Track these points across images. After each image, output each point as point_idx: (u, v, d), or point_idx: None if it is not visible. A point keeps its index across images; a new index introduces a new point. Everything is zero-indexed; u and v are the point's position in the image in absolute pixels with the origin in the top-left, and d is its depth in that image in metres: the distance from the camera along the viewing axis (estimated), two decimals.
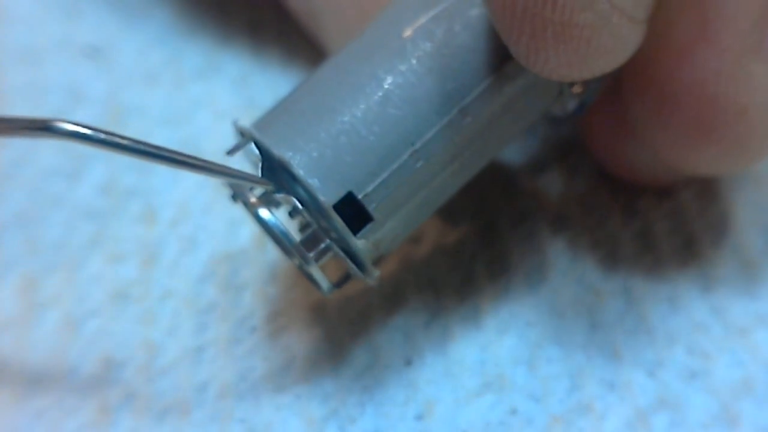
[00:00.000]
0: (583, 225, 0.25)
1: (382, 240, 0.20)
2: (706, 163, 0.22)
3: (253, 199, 0.20)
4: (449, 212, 0.25)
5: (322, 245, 0.20)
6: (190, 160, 0.18)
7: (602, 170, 0.25)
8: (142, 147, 0.18)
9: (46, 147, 0.26)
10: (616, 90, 0.23)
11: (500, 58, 0.20)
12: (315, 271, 0.20)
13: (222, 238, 0.25)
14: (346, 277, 0.21)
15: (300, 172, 0.19)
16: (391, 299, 0.24)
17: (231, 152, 0.20)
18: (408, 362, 0.23)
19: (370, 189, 0.19)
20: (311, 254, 0.20)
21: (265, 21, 0.29)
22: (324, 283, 0.21)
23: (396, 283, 0.24)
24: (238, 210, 0.24)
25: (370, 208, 0.20)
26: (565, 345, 0.23)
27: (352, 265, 0.20)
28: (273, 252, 0.24)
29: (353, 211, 0.20)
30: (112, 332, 0.23)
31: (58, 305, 0.24)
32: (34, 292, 0.24)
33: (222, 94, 0.27)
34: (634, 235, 0.24)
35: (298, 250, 0.20)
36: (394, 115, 0.20)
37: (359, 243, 0.20)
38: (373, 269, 0.21)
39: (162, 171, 0.26)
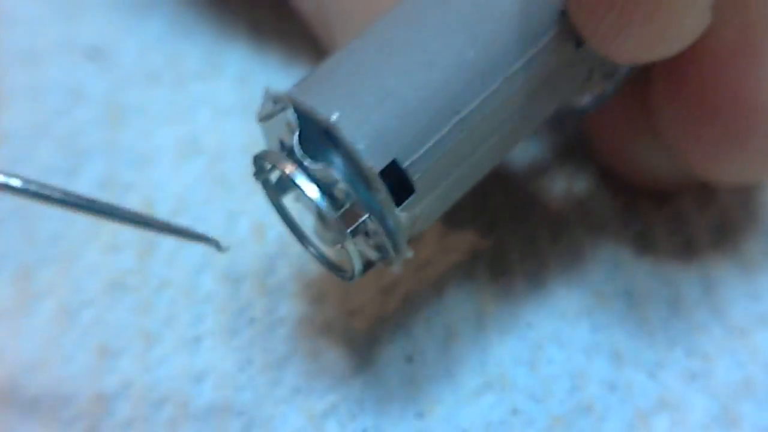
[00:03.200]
0: (584, 226, 0.25)
1: (420, 216, 0.19)
2: (736, 173, 0.22)
3: (287, 168, 0.19)
4: (450, 212, 0.25)
5: (360, 220, 0.19)
6: (128, 215, 0.19)
7: (606, 172, 0.25)
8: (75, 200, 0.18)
9: (45, 145, 0.26)
10: (628, 92, 0.23)
11: (544, 28, 0.19)
12: (351, 248, 0.19)
13: (220, 229, 0.24)
14: (370, 263, 0.20)
15: (346, 135, 0.18)
16: (392, 295, 0.23)
17: (264, 119, 0.19)
18: (409, 359, 0.22)
19: (414, 158, 0.18)
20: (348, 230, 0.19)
21: (265, 21, 0.29)
22: (358, 263, 0.19)
23: (397, 280, 0.24)
24: (237, 202, 0.24)
25: (414, 178, 0.19)
26: (565, 346, 0.23)
27: (388, 243, 0.19)
28: (272, 244, 0.24)
29: (395, 182, 0.18)
30: (108, 322, 0.23)
31: (54, 295, 0.23)
32: (29, 282, 0.24)
33: (222, 94, 0.27)
34: (635, 236, 0.24)
35: (337, 224, 0.18)
36: (439, 80, 0.19)
37: (401, 216, 0.19)
38: (407, 248, 0.19)
39: (161, 167, 0.26)
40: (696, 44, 0.20)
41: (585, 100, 0.22)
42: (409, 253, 0.20)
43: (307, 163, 0.18)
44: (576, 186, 0.25)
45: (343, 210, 0.19)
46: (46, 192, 0.19)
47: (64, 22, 0.29)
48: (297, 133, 0.19)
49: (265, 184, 0.20)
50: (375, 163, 0.18)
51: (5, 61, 0.28)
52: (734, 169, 0.21)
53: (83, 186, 0.25)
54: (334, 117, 0.18)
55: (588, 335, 0.23)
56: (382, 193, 0.18)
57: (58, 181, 0.25)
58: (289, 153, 0.19)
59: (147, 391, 0.22)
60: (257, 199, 0.23)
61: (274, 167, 0.19)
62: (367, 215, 0.19)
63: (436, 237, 0.24)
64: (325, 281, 0.24)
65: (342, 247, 0.19)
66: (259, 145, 0.20)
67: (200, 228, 0.24)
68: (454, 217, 0.25)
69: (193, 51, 0.28)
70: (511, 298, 0.23)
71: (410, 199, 0.19)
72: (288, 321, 0.23)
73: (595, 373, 0.22)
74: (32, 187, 0.19)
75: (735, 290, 0.24)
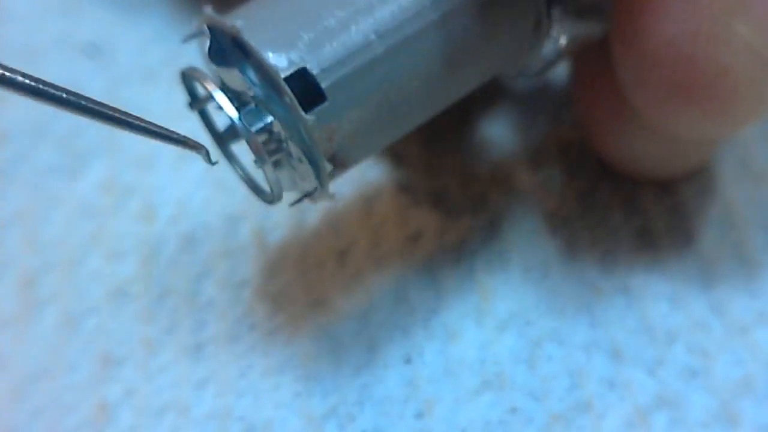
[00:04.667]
0: (583, 222, 0.25)
1: (338, 131, 0.19)
2: (690, 126, 0.21)
3: (206, 83, 0.19)
4: (449, 209, 0.25)
5: (267, 123, 0.19)
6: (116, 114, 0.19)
7: (602, 165, 0.25)
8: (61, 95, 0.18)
9: (45, 145, 0.26)
10: (615, 82, 0.23)
11: None
12: (267, 166, 0.19)
13: (221, 235, 0.25)
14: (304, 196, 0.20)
15: (252, 42, 0.18)
16: (390, 297, 0.23)
17: (186, 39, 0.20)
18: (408, 360, 0.23)
19: (326, 65, 0.18)
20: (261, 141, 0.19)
21: None
22: (273, 177, 0.19)
23: (396, 280, 0.24)
24: (238, 207, 0.25)
25: (324, 85, 0.18)
26: (564, 343, 0.23)
27: (302, 155, 0.19)
28: (273, 250, 0.24)
29: (306, 90, 0.18)
30: (111, 330, 0.23)
31: (57, 303, 0.23)
32: (33, 289, 0.24)
33: None
34: (635, 232, 0.24)
35: (254, 143, 0.19)
36: None
37: (309, 122, 0.18)
38: (327, 167, 0.19)
39: (162, 168, 0.26)
40: None
41: (537, 61, 0.22)
42: (328, 166, 0.19)
43: (214, 68, 0.19)
44: (575, 181, 0.25)
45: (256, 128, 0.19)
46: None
47: (62, 19, 0.29)
48: (208, 43, 0.19)
49: (192, 96, 0.21)
50: (281, 68, 0.18)
51: (4, 57, 0.28)
52: (688, 121, 0.21)
53: (84, 188, 0.25)
54: (238, 24, 0.18)
55: (587, 332, 0.23)
56: (288, 97, 0.18)
57: (59, 183, 0.25)
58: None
59: (149, 398, 0.22)
60: (258, 203, 0.24)
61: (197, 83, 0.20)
62: (272, 119, 0.19)
63: (435, 233, 0.24)
64: (325, 285, 0.24)
65: (260, 166, 0.19)
66: None
67: (201, 233, 0.24)
68: (452, 213, 0.25)
69: (192, 48, 0.28)
70: (510, 296, 0.24)
71: (320, 107, 0.19)
72: (288, 326, 0.23)
73: (594, 370, 0.22)
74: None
75: (735, 287, 0.24)
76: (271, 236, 0.24)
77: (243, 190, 0.25)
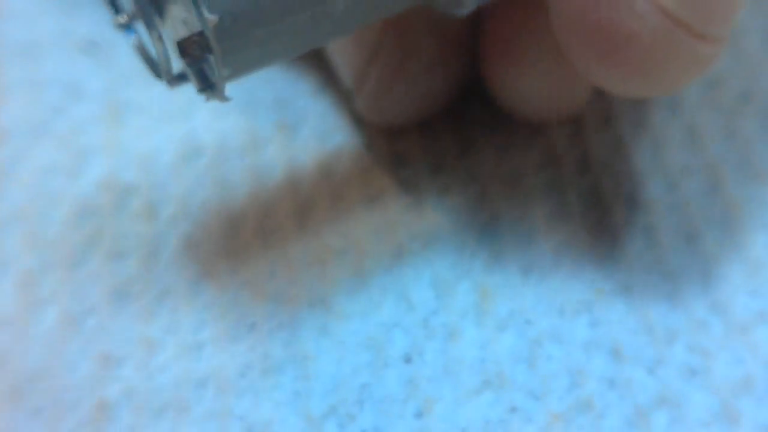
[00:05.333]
0: (583, 221, 0.25)
1: (240, 15, 0.18)
2: (619, 88, 0.22)
3: None
4: (448, 208, 0.25)
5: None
6: None
7: (602, 165, 0.25)
8: None
9: (45, 143, 0.26)
10: (509, 17, 0.23)
11: None
12: (156, 39, 0.18)
13: (221, 235, 0.24)
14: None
15: None
16: (390, 296, 0.23)
17: None
18: (408, 360, 0.23)
19: None
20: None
21: None
22: (162, 54, 0.19)
23: (395, 279, 0.24)
24: (238, 207, 0.24)
25: None
26: (564, 343, 0.23)
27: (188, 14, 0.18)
28: (273, 249, 0.24)
29: None
30: (111, 329, 0.23)
31: (57, 302, 0.23)
32: (32, 288, 0.24)
33: None
34: (636, 230, 0.24)
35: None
36: None
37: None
38: (219, 57, 0.18)
39: (162, 167, 0.26)
40: None
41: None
42: (225, 71, 0.19)
43: None
44: (576, 179, 0.25)
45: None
46: None
47: (61, 16, 0.29)
48: None
49: None
50: None
51: (2, 55, 0.28)
52: (618, 82, 0.21)
53: (84, 187, 0.25)
54: None
55: (587, 331, 0.23)
56: None
57: (59, 182, 0.25)
58: None
59: (149, 398, 0.22)
60: (258, 202, 0.24)
61: None
62: None
63: (434, 233, 0.24)
64: (325, 284, 0.24)
65: (147, 28, 0.18)
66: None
67: (201, 233, 0.24)
68: (451, 212, 0.25)
69: None
70: (510, 295, 0.24)
71: None
72: (288, 325, 0.23)
73: (594, 369, 0.22)
74: None
75: (736, 286, 0.23)
76: (272, 236, 0.24)
77: (243, 189, 0.25)
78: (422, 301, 0.23)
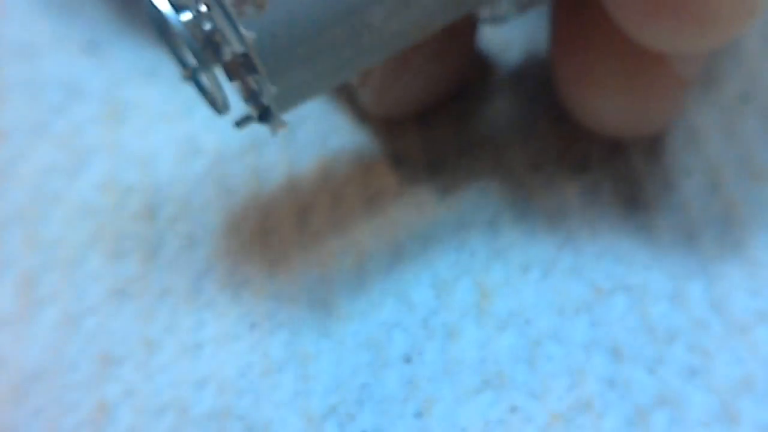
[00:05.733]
0: (583, 219, 0.25)
1: (279, 33, 0.18)
2: (673, 41, 0.21)
3: None
4: (448, 208, 0.25)
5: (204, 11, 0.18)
6: None
7: (604, 159, 0.25)
8: None
9: (44, 144, 0.26)
10: (582, 35, 0.23)
11: None
12: (210, 75, 0.19)
13: (221, 235, 0.24)
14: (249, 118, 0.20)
15: None
16: (390, 296, 0.23)
17: None
18: (407, 360, 0.23)
19: None
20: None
21: None
22: (216, 87, 0.19)
23: (395, 279, 0.24)
24: (238, 207, 0.24)
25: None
26: (564, 342, 0.23)
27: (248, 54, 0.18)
28: (273, 249, 0.24)
29: None
30: (111, 329, 0.23)
31: (57, 302, 0.23)
32: (32, 289, 0.24)
33: None
34: (635, 229, 0.24)
35: (184, 31, 0.18)
36: None
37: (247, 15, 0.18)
38: (272, 89, 0.19)
39: (162, 167, 0.26)
40: None
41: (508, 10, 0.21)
42: (272, 89, 0.19)
43: None
44: (575, 177, 0.25)
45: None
46: None
47: (60, 16, 0.29)
48: None
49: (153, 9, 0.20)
50: None
51: (2, 55, 0.28)
52: (667, 34, 0.21)
53: (84, 187, 0.25)
54: None
55: (587, 331, 0.23)
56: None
57: (59, 182, 0.25)
58: None
59: (149, 398, 0.22)
60: (258, 203, 0.24)
61: None
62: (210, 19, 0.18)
63: (434, 235, 0.24)
64: (325, 285, 0.24)
65: (200, 67, 0.19)
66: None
67: (201, 233, 0.24)
68: (451, 213, 0.25)
69: None
70: (509, 293, 0.24)
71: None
72: (288, 325, 0.23)
73: (594, 369, 0.22)
74: None
75: (736, 286, 0.23)
76: (272, 236, 0.24)
77: (243, 189, 0.25)
78: (422, 301, 0.23)
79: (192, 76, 0.20)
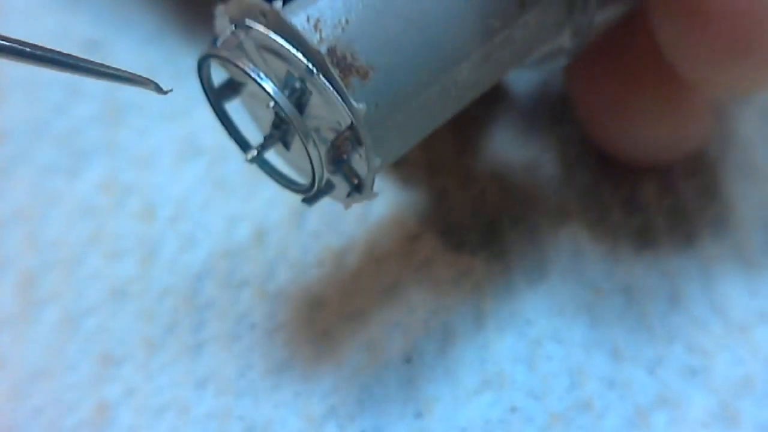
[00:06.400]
0: (583, 221, 0.25)
1: (381, 102, 0.18)
2: (742, 81, 0.21)
3: (241, 62, 0.18)
4: (449, 208, 0.25)
5: (307, 95, 0.18)
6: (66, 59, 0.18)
7: (602, 164, 0.25)
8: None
9: (44, 144, 0.26)
10: (612, 68, 0.23)
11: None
12: (313, 150, 0.18)
13: (220, 235, 0.25)
14: (329, 184, 0.19)
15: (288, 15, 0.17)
16: (390, 297, 0.23)
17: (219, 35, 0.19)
18: (407, 360, 0.23)
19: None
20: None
21: None
22: (317, 162, 0.18)
23: (396, 280, 0.24)
24: (237, 207, 0.24)
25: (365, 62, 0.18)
26: (564, 343, 0.23)
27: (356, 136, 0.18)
28: (272, 249, 0.24)
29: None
30: (111, 329, 0.23)
31: (57, 302, 0.23)
32: (32, 288, 0.24)
33: None
34: (635, 231, 0.24)
35: (293, 117, 0.18)
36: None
37: (359, 110, 0.18)
38: (377, 160, 0.18)
39: (161, 167, 0.26)
40: None
41: (564, 43, 0.21)
42: (377, 160, 0.18)
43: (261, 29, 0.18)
44: (574, 180, 0.25)
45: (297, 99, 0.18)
46: None
47: (60, 15, 0.29)
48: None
49: (209, 87, 0.20)
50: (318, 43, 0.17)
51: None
52: (741, 77, 0.21)
53: (84, 187, 0.25)
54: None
55: (587, 331, 0.23)
56: (336, 85, 0.17)
57: (59, 182, 0.25)
58: (240, 45, 0.18)
59: (149, 398, 0.22)
60: (257, 203, 0.24)
61: (227, 62, 0.18)
62: (307, 90, 0.18)
63: (434, 236, 0.24)
64: (325, 285, 0.24)
65: (303, 141, 0.18)
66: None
67: (200, 235, 0.24)
68: (452, 213, 0.25)
69: (191, 47, 0.28)
70: (510, 295, 0.24)
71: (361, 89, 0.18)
72: (288, 325, 0.23)
73: (594, 369, 0.22)
74: None
75: (735, 286, 0.24)
76: (271, 235, 0.24)
77: (243, 190, 0.25)
78: (422, 302, 0.23)
79: (257, 157, 0.20)
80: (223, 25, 0.19)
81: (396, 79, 0.18)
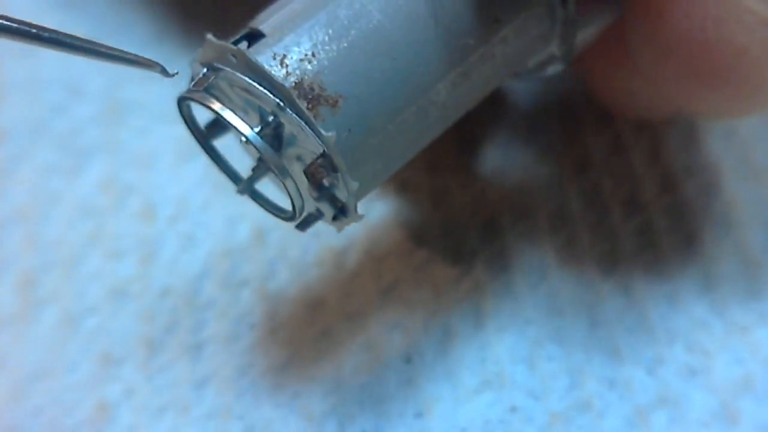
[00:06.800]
0: (583, 222, 0.25)
1: (354, 128, 0.18)
2: (719, 108, 0.21)
3: (215, 105, 0.19)
4: (449, 208, 0.25)
5: (277, 122, 0.18)
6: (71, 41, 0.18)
7: (602, 159, 0.25)
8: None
9: (45, 143, 0.26)
10: (614, 31, 0.23)
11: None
12: (290, 183, 0.19)
13: (221, 235, 0.25)
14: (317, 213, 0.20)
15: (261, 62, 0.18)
16: (390, 297, 0.23)
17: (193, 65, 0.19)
18: (408, 360, 0.23)
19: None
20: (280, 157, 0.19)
21: None
22: (296, 194, 0.19)
23: (396, 280, 0.24)
24: (237, 207, 0.24)
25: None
26: (564, 343, 0.23)
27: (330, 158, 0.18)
28: (272, 249, 0.24)
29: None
30: (111, 329, 0.23)
31: (57, 302, 0.23)
32: (33, 288, 0.24)
33: None
34: (635, 231, 0.24)
35: (262, 146, 0.18)
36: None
37: (329, 138, 0.18)
38: (353, 184, 0.19)
39: (162, 167, 0.26)
40: None
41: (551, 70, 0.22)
42: (354, 184, 0.19)
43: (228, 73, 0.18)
44: (574, 180, 0.25)
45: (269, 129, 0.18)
46: None
47: (60, 15, 0.29)
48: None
49: (193, 126, 0.20)
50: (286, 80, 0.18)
51: (3, 54, 0.28)
52: (717, 103, 0.21)
53: (84, 187, 0.25)
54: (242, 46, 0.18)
55: (587, 332, 0.23)
56: (306, 119, 0.18)
57: (59, 182, 0.25)
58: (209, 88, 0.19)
59: (149, 398, 0.22)
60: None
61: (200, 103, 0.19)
62: (276, 119, 0.18)
63: (434, 236, 0.24)
64: (325, 284, 0.24)
65: (279, 175, 0.19)
66: None
67: (200, 234, 0.24)
68: (452, 214, 0.25)
69: (190, 48, 0.28)
70: (510, 295, 0.24)
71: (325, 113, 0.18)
72: (288, 325, 0.23)
73: (594, 369, 0.22)
74: None
75: (735, 287, 0.24)
76: (271, 235, 0.24)
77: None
78: (422, 302, 0.23)
79: (247, 188, 0.20)
80: (197, 69, 0.19)
81: (367, 105, 0.19)
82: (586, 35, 0.21)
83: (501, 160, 0.26)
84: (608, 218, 0.25)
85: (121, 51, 0.18)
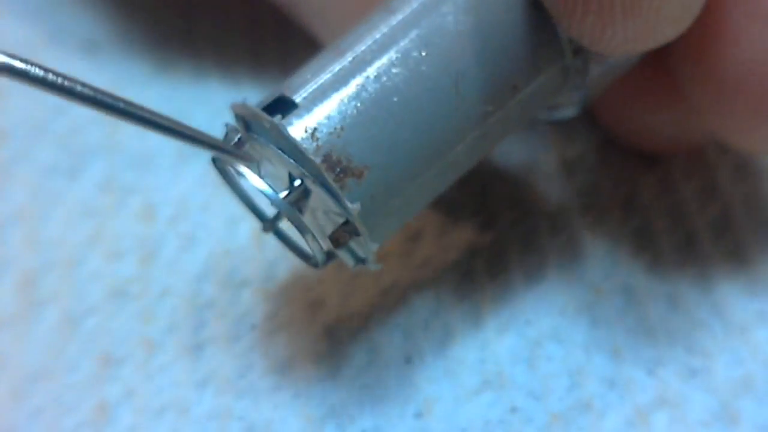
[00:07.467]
0: (583, 222, 0.25)
1: (379, 199, 0.19)
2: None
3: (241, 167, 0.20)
4: (449, 209, 0.25)
5: (299, 188, 0.19)
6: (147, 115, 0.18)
7: (602, 159, 0.25)
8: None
9: (45, 144, 0.26)
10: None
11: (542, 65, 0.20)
12: (311, 238, 0.20)
13: (221, 235, 0.25)
14: (333, 253, 0.21)
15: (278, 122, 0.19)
16: (390, 297, 0.23)
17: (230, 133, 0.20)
18: (408, 360, 0.23)
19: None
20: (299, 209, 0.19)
21: (262, 22, 0.29)
22: (318, 249, 0.20)
23: (395, 281, 0.24)
24: (237, 207, 0.24)
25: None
26: (564, 343, 0.23)
27: (340, 213, 0.19)
28: (272, 249, 0.24)
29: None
30: (111, 330, 0.23)
31: (57, 302, 0.23)
32: (32, 289, 0.24)
33: (217, 95, 0.27)
34: (634, 231, 0.24)
35: (287, 209, 0.19)
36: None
37: (354, 211, 0.19)
38: (366, 236, 0.19)
39: (162, 168, 0.26)
40: (710, 19, 0.20)
41: (568, 111, 0.22)
42: (373, 246, 0.20)
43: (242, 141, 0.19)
44: (574, 181, 0.25)
45: (290, 193, 0.19)
46: (50, 77, 0.17)
47: (60, 15, 0.29)
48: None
49: (224, 174, 0.21)
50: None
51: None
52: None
53: (84, 187, 0.25)
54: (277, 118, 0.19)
55: (587, 332, 0.23)
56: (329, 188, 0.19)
57: (59, 182, 0.25)
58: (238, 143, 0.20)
59: (149, 398, 0.22)
60: (258, 203, 0.23)
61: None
62: (301, 183, 0.19)
63: (434, 236, 0.24)
64: (325, 285, 0.24)
65: (302, 230, 0.19)
66: None
67: (200, 235, 0.24)
68: (452, 214, 0.25)
69: (189, 51, 0.28)
70: (510, 295, 0.24)
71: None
72: (288, 326, 0.23)
73: (594, 370, 0.22)
74: (34, 70, 0.17)
75: (735, 287, 0.24)
76: (271, 236, 0.24)
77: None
78: (422, 302, 0.23)
79: (271, 227, 0.21)
80: (231, 126, 0.20)
81: (390, 173, 0.19)
82: (599, 85, 0.22)
83: (501, 160, 0.26)
84: (608, 218, 0.25)
85: (187, 127, 0.19)
